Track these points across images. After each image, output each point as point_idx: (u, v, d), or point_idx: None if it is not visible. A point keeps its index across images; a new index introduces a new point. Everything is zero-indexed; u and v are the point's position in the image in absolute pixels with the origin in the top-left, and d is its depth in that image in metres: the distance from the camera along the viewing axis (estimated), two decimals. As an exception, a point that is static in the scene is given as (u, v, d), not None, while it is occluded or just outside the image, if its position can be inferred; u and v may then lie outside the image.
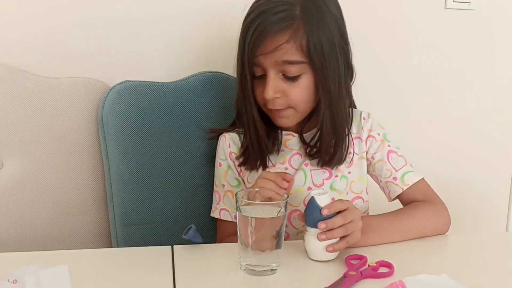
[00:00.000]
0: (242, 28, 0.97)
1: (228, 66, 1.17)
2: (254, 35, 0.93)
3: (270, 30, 0.92)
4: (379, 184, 1.09)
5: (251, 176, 1.06)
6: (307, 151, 1.05)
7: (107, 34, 1.22)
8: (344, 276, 0.81)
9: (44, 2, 1.18)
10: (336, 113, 0.99)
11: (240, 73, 0.98)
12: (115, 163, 1.13)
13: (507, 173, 1.60)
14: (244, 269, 0.83)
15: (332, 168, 1.04)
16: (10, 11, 1.18)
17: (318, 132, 1.02)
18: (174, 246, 0.92)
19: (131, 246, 1.07)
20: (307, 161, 1.05)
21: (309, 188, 1.04)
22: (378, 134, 1.08)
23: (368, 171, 1.09)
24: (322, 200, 0.85)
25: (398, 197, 1.07)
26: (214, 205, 1.10)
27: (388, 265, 0.85)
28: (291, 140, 1.07)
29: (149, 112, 1.14)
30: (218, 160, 1.10)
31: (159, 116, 1.14)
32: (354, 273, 0.81)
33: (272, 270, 0.83)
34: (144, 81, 1.16)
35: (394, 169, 1.06)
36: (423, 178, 1.06)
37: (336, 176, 1.06)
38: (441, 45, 1.48)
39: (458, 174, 1.55)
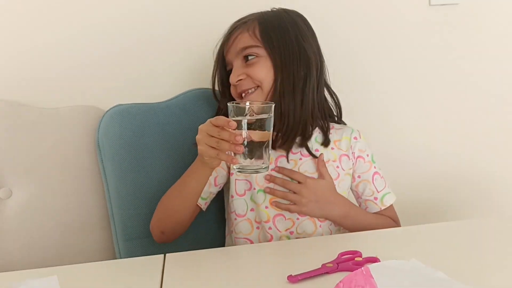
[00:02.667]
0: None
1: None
2: (223, 40, 1.12)
3: (230, 31, 1.12)
4: (356, 199, 1.17)
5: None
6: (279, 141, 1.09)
7: (99, 62, 1.31)
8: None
9: (39, 41, 1.28)
10: (293, 94, 1.07)
11: (218, 76, 1.14)
12: (113, 182, 1.19)
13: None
14: (237, 169, 0.90)
15: (302, 146, 1.10)
16: (11, 51, 1.28)
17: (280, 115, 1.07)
18: (167, 254, 0.96)
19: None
20: (295, 169, 1.10)
21: None
22: (367, 155, 1.15)
23: (350, 187, 1.16)
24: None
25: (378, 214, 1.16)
26: None
27: (374, 260, 0.85)
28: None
29: (142, 132, 1.20)
30: None
31: (151, 135, 1.20)
32: (331, 265, 0.84)
33: (263, 168, 0.90)
34: (135, 103, 1.23)
35: (377, 190, 1.14)
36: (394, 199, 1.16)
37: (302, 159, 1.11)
38: (427, 42, 1.50)
39: (461, 166, 1.56)
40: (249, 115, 0.87)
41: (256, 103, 0.91)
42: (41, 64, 1.29)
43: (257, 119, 0.88)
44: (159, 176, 1.20)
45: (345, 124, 1.20)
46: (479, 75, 1.53)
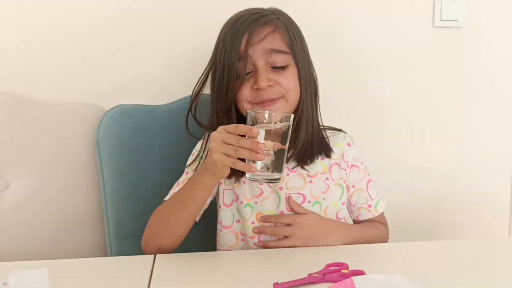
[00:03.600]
0: (221, 34, 1.03)
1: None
2: (241, 30, 0.98)
3: (255, 23, 0.99)
4: (348, 206, 1.14)
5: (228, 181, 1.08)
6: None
7: (105, 60, 1.33)
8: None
9: (47, 37, 1.31)
10: (313, 108, 1.06)
11: (223, 76, 1.01)
12: (109, 181, 1.21)
13: (507, 179, 1.61)
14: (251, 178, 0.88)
15: (308, 164, 1.06)
16: (18, 44, 1.30)
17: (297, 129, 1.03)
18: (157, 255, 0.98)
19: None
20: (282, 184, 1.06)
21: (282, 212, 1.06)
22: (361, 163, 1.13)
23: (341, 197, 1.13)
24: None
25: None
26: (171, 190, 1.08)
27: (360, 273, 0.85)
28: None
29: (141, 133, 1.21)
30: (193, 151, 1.12)
31: (150, 137, 1.22)
32: (317, 275, 0.85)
33: (276, 179, 0.89)
34: (137, 104, 1.25)
35: (371, 197, 1.13)
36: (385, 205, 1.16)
37: (309, 202, 1.07)
38: (430, 64, 1.51)
39: (457, 182, 1.57)
40: (270, 124, 0.86)
41: (276, 112, 0.89)
42: (48, 59, 1.31)
43: (277, 129, 0.87)
44: (155, 178, 1.22)
45: (335, 128, 1.17)
46: (481, 98, 1.55)
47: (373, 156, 1.47)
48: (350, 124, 1.43)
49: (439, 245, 1.06)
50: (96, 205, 1.25)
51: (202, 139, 1.12)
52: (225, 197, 1.08)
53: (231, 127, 0.86)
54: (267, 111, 0.87)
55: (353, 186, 1.12)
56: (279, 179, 0.89)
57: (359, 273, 0.86)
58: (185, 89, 1.29)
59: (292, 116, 0.89)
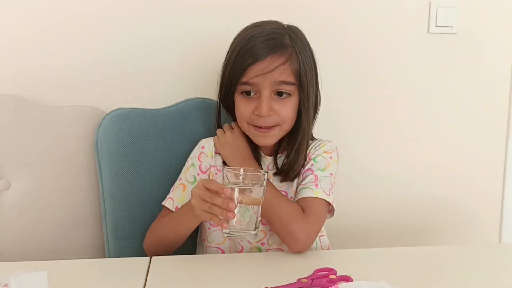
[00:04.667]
0: (233, 52, 1.06)
1: (216, 92, 1.27)
2: (250, 57, 1.02)
3: (268, 52, 1.03)
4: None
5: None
6: (277, 172, 1.12)
7: (104, 65, 1.35)
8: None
9: (48, 40, 1.33)
10: (307, 135, 1.11)
11: (229, 94, 1.09)
12: (108, 183, 1.23)
13: (498, 184, 1.63)
14: (226, 234, 0.90)
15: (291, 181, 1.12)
16: (18, 47, 1.32)
17: (291, 153, 1.10)
18: (153, 257, 1.01)
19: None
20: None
21: None
22: (312, 165, 1.12)
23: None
24: None
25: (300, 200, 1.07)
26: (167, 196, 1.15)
27: (347, 279, 0.88)
28: (265, 161, 1.15)
29: (139, 136, 1.24)
30: (188, 158, 1.18)
31: (149, 140, 1.24)
32: (306, 280, 0.88)
33: (251, 235, 0.91)
34: (136, 108, 1.27)
35: (316, 180, 1.08)
36: (318, 198, 1.06)
37: (291, 197, 1.13)
38: (425, 69, 1.54)
39: (448, 188, 1.60)
40: (243, 182, 0.90)
41: (250, 170, 0.93)
42: (49, 62, 1.33)
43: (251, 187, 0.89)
44: (152, 180, 1.24)
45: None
46: (474, 103, 1.57)
47: (366, 160, 1.51)
48: (344, 128, 1.49)
49: (428, 250, 1.08)
50: (94, 206, 1.28)
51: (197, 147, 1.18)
52: None
53: (206, 182, 0.90)
54: (241, 169, 0.91)
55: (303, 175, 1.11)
56: (255, 234, 0.91)
57: (346, 279, 0.88)
58: (183, 93, 1.35)
59: (266, 174, 0.91)
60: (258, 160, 1.13)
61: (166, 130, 1.26)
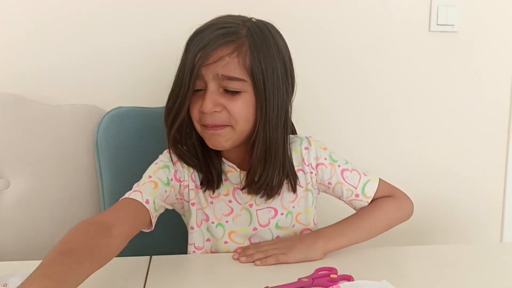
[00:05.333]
0: (187, 42, 0.96)
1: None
2: (198, 46, 0.91)
3: (215, 42, 0.91)
4: (342, 200, 1.09)
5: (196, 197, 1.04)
6: (248, 187, 1.01)
7: (104, 63, 1.34)
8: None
9: (47, 39, 1.32)
10: (269, 138, 0.96)
11: (179, 86, 0.94)
12: (107, 182, 1.23)
13: (499, 183, 1.63)
14: None
15: (272, 199, 1.03)
16: (17, 45, 1.32)
17: (257, 165, 0.98)
18: (153, 257, 1.00)
19: (121, 258, 1.15)
20: (252, 201, 1.04)
21: (255, 229, 1.04)
22: (325, 159, 1.06)
23: (329, 194, 1.10)
24: None
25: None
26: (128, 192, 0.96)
27: (348, 278, 0.87)
28: (232, 173, 1.04)
29: (140, 135, 1.23)
30: (156, 161, 1.05)
31: (148, 139, 1.23)
32: (306, 279, 0.88)
33: None
34: (136, 106, 1.27)
35: (353, 187, 1.05)
36: (379, 180, 1.08)
37: (282, 214, 1.05)
38: (425, 68, 1.53)
39: (449, 188, 1.59)
40: None
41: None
42: (48, 61, 1.33)
43: None
44: None
45: (295, 133, 1.10)
46: (475, 101, 1.57)
47: (368, 159, 1.50)
48: (346, 127, 1.48)
49: (429, 250, 1.07)
50: (94, 205, 1.28)
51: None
52: (197, 218, 1.05)
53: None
54: None
55: (329, 183, 1.06)
56: None
57: (348, 278, 0.88)
58: None
59: None
60: (222, 171, 1.04)
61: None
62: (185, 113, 0.95)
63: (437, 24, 1.51)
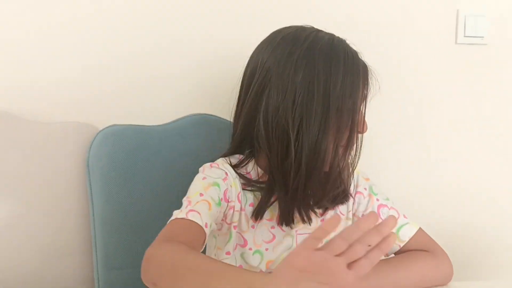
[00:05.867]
0: (359, 66, 0.92)
1: (219, 108, 1.18)
2: (366, 73, 0.94)
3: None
4: None
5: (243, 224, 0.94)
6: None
7: (98, 78, 1.25)
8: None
9: (36, 51, 1.22)
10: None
11: (352, 110, 0.89)
12: (99, 206, 1.13)
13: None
14: None
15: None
16: (6, 60, 1.22)
17: None
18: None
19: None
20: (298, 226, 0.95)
21: None
22: (365, 189, 1.00)
23: None
24: None
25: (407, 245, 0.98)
26: (176, 212, 0.85)
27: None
28: None
29: (135, 155, 1.14)
30: (202, 175, 0.93)
31: (144, 159, 1.14)
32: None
33: None
34: (131, 124, 1.17)
35: None
36: (419, 228, 0.98)
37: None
38: (452, 83, 1.42)
39: (477, 214, 1.46)
40: None
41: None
42: (38, 75, 1.23)
43: None
44: (149, 204, 1.14)
45: None
46: (508, 120, 1.45)
47: (385, 180, 1.37)
48: (364, 143, 1.35)
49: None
50: (84, 232, 1.17)
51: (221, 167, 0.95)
52: (233, 242, 0.95)
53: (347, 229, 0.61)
54: None
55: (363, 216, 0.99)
56: None
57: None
58: (182, 110, 1.25)
59: None
60: None
61: (163, 148, 1.16)
62: None
63: (465, 36, 1.40)
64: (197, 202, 0.86)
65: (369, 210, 0.98)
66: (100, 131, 1.16)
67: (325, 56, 0.87)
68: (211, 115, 1.21)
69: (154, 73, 1.27)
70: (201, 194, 0.88)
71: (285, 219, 0.92)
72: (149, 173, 1.14)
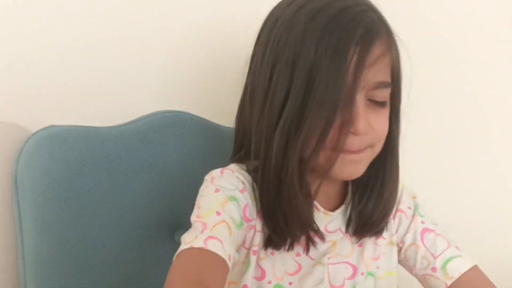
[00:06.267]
0: (307, 22, 0.68)
1: (194, 104, 0.98)
2: (357, 32, 0.66)
3: (378, 29, 0.69)
4: (411, 273, 0.86)
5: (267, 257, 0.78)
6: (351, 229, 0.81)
7: (30, 67, 0.98)
8: None
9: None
10: (396, 160, 0.78)
11: (326, 95, 0.67)
12: (31, 237, 0.88)
13: None
14: None
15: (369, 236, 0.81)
16: None
17: (374, 192, 0.79)
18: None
19: None
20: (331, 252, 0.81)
21: None
22: (409, 208, 0.84)
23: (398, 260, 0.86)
24: None
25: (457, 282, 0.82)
26: (189, 237, 0.69)
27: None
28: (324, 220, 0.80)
29: (80, 167, 0.90)
30: (213, 186, 0.76)
31: (93, 172, 0.91)
32: None
33: None
34: (75, 125, 0.93)
35: (432, 255, 0.81)
36: (475, 265, 0.82)
37: (362, 274, 0.81)
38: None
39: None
40: None
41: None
42: None
43: None
44: (100, 232, 0.91)
45: None
46: None
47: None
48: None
49: None
50: (9, 272, 0.92)
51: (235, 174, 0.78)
52: (250, 273, 0.79)
53: None
54: None
55: (402, 242, 0.84)
56: None
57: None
58: (144, 106, 1.01)
59: None
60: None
61: (119, 158, 0.93)
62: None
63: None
64: (215, 225, 0.70)
65: (409, 235, 0.83)
66: (32, 135, 0.91)
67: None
68: (185, 112, 0.98)
69: (105, 58, 1.02)
70: (218, 213, 0.72)
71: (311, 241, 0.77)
72: (101, 191, 0.91)
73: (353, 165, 0.73)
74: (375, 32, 0.68)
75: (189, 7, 1.04)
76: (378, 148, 0.75)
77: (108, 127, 0.95)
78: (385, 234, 0.83)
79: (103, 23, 1.01)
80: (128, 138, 0.94)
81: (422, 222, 0.84)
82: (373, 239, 0.82)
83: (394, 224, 0.84)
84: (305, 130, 0.66)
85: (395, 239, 0.84)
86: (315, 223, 0.75)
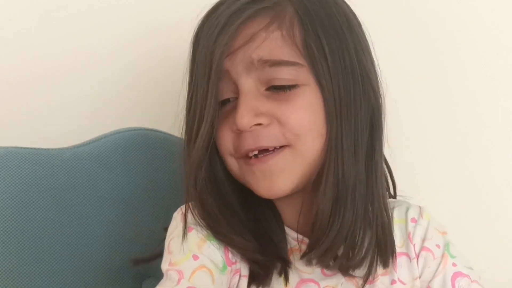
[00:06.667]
0: (196, 32, 0.69)
1: (163, 120, 0.87)
2: (215, 28, 0.64)
3: (239, 14, 0.63)
4: None
5: None
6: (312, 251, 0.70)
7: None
8: None
9: None
10: (344, 164, 0.65)
11: (194, 102, 0.66)
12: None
13: None
14: None
15: (351, 271, 0.70)
16: None
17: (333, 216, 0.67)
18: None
19: None
20: None
21: None
22: (438, 246, 0.73)
23: None
24: None
25: None
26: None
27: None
28: (296, 249, 0.71)
29: (25, 198, 0.79)
30: (187, 224, 0.70)
31: (41, 204, 0.79)
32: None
33: None
34: (18, 147, 0.82)
35: None
36: None
37: None
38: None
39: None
40: None
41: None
42: None
43: None
44: (49, 283, 0.78)
45: (394, 197, 0.80)
46: None
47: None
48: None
49: None
50: None
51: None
52: None
53: None
54: None
55: (428, 287, 0.74)
56: None
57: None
58: (104, 122, 0.91)
59: None
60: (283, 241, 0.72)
61: (71, 187, 0.82)
62: (208, 147, 0.66)
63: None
64: (193, 272, 0.65)
65: (438, 278, 0.71)
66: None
67: None
68: (155, 130, 0.88)
69: (54, 65, 0.92)
70: (195, 257, 0.66)
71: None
72: (50, 225, 0.80)
73: (266, 175, 0.65)
74: (241, 13, 0.63)
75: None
76: (302, 147, 0.65)
77: (58, 148, 0.84)
78: (404, 277, 0.72)
79: (61, 32, 0.93)
80: (83, 162, 0.83)
81: (454, 265, 0.72)
82: (386, 283, 0.71)
83: (418, 265, 0.73)
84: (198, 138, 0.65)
85: (418, 284, 0.73)
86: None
